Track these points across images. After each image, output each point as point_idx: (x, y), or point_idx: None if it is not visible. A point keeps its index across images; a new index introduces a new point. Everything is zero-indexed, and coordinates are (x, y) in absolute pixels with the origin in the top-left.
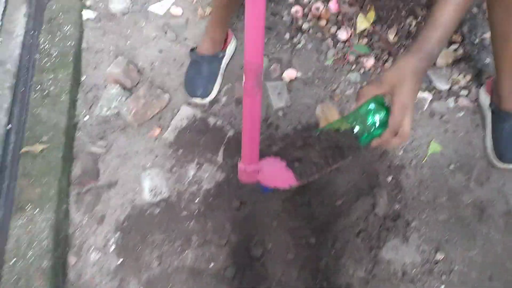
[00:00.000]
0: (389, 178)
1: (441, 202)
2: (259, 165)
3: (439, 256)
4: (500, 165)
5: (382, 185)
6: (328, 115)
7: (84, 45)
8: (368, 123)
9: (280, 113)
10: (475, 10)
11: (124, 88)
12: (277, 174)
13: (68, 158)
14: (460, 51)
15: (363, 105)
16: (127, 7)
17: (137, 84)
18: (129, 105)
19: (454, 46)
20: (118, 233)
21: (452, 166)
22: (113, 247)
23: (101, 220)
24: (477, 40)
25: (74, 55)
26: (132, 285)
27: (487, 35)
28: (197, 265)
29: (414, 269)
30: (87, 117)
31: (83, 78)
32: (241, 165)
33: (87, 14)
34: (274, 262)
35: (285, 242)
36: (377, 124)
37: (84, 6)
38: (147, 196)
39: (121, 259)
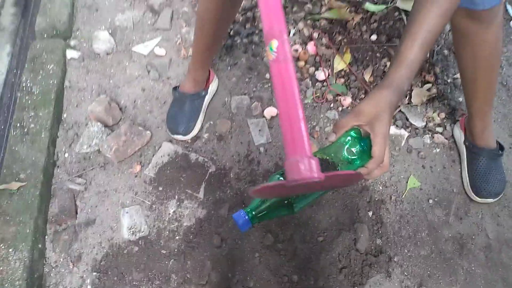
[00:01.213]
0: (370, 213)
1: (422, 237)
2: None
3: None
4: (478, 200)
5: (363, 220)
6: None
7: (66, 83)
8: (344, 155)
9: (262, 149)
10: (446, 52)
11: (105, 125)
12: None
13: (46, 196)
14: (434, 90)
15: (341, 137)
16: (111, 47)
17: (118, 121)
18: (109, 142)
19: (428, 86)
20: (95, 273)
21: (431, 201)
22: (89, 287)
23: (77, 259)
24: (449, 80)
25: (56, 93)
26: None
27: (459, 75)
28: None
29: None
30: (67, 154)
31: (64, 116)
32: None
33: (71, 53)
34: None
35: (267, 280)
36: (354, 156)
37: (68, 46)
38: (125, 234)
39: None
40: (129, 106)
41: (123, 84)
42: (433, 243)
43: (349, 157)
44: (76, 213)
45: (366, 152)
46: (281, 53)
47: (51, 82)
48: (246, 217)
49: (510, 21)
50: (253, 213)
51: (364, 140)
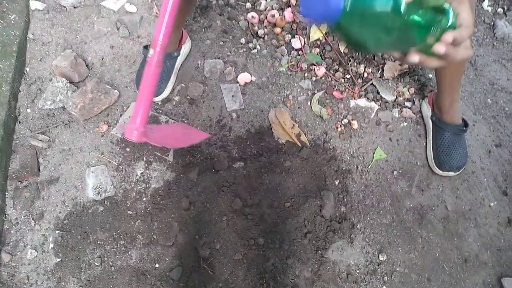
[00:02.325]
0: (337, 182)
1: (384, 206)
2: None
3: (382, 258)
4: (440, 172)
5: (329, 188)
6: (280, 119)
7: (30, 36)
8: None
9: (234, 115)
10: None
11: (71, 82)
12: (183, 134)
13: (7, 151)
14: (405, 65)
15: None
16: (78, 0)
17: (85, 79)
18: (75, 99)
19: None
20: (58, 231)
21: (395, 173)
22: (51, 245)
23: (39, 217)
24: None
25: (18, 45)
26: (71, 285)
27: None
28: (142, 266)
29: (358, 270)
30: (29, 110)
31: (27, 70)
32: (131, 125)
33: (35, 4)
34: (222, 263)
35: (233, 242)
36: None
37: None
38: (90, 193)
39: (59, 258)
40: (96, 63)
41: (91, 40)
42: (395, 212)
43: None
44: (39, 170)
45: (448, 17)
46: (152, 60)
47: (12, 33)
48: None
49: (483, 1)
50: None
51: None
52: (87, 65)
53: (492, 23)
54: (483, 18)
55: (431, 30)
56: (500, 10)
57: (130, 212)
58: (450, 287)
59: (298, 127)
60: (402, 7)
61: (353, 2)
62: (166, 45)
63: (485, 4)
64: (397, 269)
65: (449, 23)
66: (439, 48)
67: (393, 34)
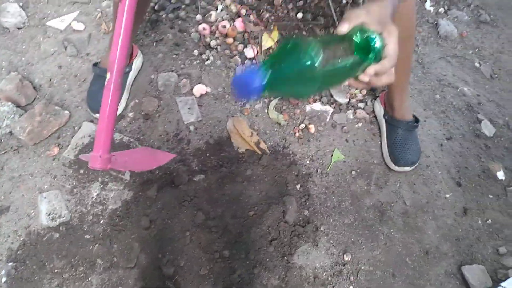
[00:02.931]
0: (298, 186)
1: (346, 206)
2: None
3: (347, 258)
4: (396, 168)
5: (291, 193)
6: (239, 128)
7: None
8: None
9: (191, 128)
10: None
11: (17, 105)
12: (148, 158)
13: None
14: None
15: (353, 30)
16: (22, 21)
17: (33, 101)
18: (23, 123)
19: None
20: (11, 263)
21: (354, 173)
22: (4, 279)
23: None
24: None
25: None
26: None
27: None
28: None
29: (325, 272)
30: None
31: None
32: (95, 153)
33: None
34: (187, 279)
35: (198, 257)
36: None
37: None
38: (44, 220)
39: None
40: (44, 85)
41: (37, 61)
42: (356, 211)
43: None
44: None
45: (373, 52)
46: (109, 83)
47: None
48: (262, 80)
49: (425, 2)
50: (271, 76)
51: (372, 39)
52: (34, 87)
53: (435, 22)
54: (426, 18)
55: (351, 72)
56: (441, 9)
57: (88, 236)
58: (414, 280)
59: (257, 135)
60: (317, 64)
61: (271, 77)
62: (123, 67)
63: (427, 5)
64: (362, 267)
65: (372, 56)
66: (363, 78)
67: (318, 81)
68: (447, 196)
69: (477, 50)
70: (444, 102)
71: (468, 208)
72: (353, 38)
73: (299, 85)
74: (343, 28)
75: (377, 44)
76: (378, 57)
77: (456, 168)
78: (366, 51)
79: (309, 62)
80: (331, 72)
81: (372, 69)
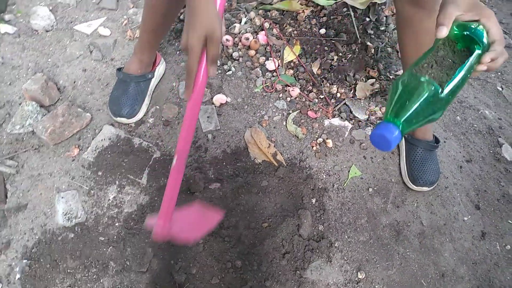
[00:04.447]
0: (313, 200)
1: (361, 224)
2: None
3: (361, 276)
4: (414, 188)
5: (306, 207)
6: (256, 139)
7: None
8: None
9: (210, 136)
10: (389, 49)
11: (41, 105)
12: (199, 219)
13: None
14: (377, 85)
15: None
16: (50, 24)
17: (56, 102)
18: (45, 123)
19: (371, 81)
20: (26, 260)
21: (370, 190)
22: (18, 275)
23: (5, 246)
24: (391, 76)
25: None
26: None
27: (400, 72)
28: None
29: None
30: None
31: None
32: (159, 221)
33: (4, 28)
34: None
35: (210, 266)
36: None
37: (1, 20)
38: (60, 220)
39: None
40: (68, 87)
41: (63, 64)
42: (371, 229)
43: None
44: (6, 197)
45: (481, 43)
46: (176, 166)
47: None
48: (396, 129)
49: None
50: (403, 121)
51: (473, 31)
52: (58, 89)
53: None
54: None
55: (469, 70)
56: None
57: (102, 238)
58: None
59: (274, 146)
60: (438, 90)
61: (403, 125)
62: (187, 153)
63: None
64: (376, 286)
65: (481, 47)
66: (481, 68)
67: (447, 100)
68: (465, 218)
69: (499, 74)
70: (465, 124)
71: (486, 232)
72: (455, 38)
73: (431, 112)
74: (442, 32)
75: (481, 34)
76: (486, 46)
77: (475, 191)
78: (473, 44)
79: (431, 94)
80: (454, 85)
81: (487, 57)
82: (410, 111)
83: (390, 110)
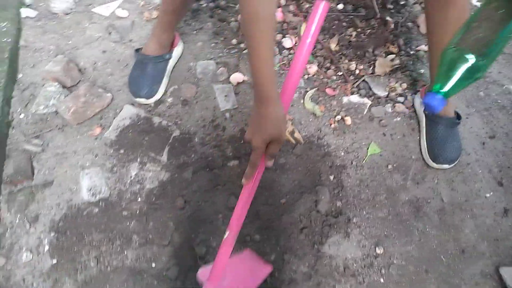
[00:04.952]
0: (331, 177)
1: (380, 200)
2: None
3: (379, 251)
4: (434, 165)
5: (324, 184)
6: None
7: (22, 43)
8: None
9: (227, 115)
10: (410, 24)
11: (63, 86)
12: (249, 273)
13: (0, 156)
14: (397, 61)
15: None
16: (69, 7)
17: (77, 83)
18: (68, 103)
19: (391, 56)
20: (53, 233)
21: (390, 167)
22: (47, 247)
23: (34, 220)
24: (412, 52)
25: (11, 52)
26: (67, 286)
27: (421, 47)
28: (138, 265)
29: (355, 264)
30: (22, 115)
31: (19, 76)
32: (209, 285)
33: (26, 12)
34: None
35: None
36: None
37: (23, 4)
38: (85, 195)
39: (55, 260)
40: (88, 68)
41: (83, 46)
42: (390, 205)
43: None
44: (33, 174)
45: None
46: (228, 239)
47: (4, 40)
48: (439, 96)
49: None
50: (443, 90)
51: None
52: (79, 70)
53: None
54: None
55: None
56: None
57: (125, 213)
58: (448, 278)
59: (292, 124)
60: (483, 60)
61: (448, 93)
62: (239, 229)
63: (474, 0)
64: (394, 261)
65: None
66: None
67: (486, 68)
68: (487, 195)
69: None
70: (488, 100)
71: (509, 209)
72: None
73: (474, 77)
74: None
75: None
76: None
77: (498, 168)
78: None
79: (473, 65)
80: (495, 52)
81: None
82: (454, 82)
83: (436, 81)
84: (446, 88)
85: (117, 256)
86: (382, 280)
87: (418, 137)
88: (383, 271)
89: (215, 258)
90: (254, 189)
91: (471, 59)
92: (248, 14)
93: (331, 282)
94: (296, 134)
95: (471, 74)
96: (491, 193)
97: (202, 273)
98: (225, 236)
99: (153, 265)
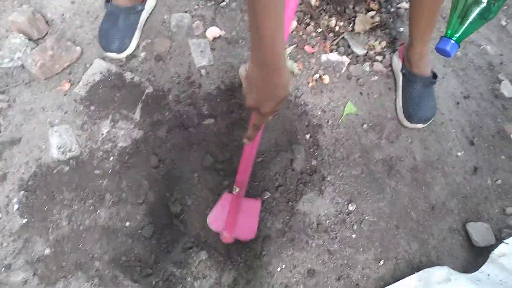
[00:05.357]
0: (307, 136)
1: (354, 159)
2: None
3: (351, 208)
4: (408, 125)
5: (300, 142)
6: None
7: None
8: None
9: (203, 72)
10: None
11: (29, 38)
12: (248, 215)
13: None
14: (377, 18)
15: None
16: None
17: (44, 35)
18: (34, 57)
19: (371, 13)
20: (22, 192)
21: (365, 126)
22: (16, 206)
23: (2, 179)
24: (392, 9)
25: None
26: (38, 245)
27: (402, 5)
28: (111, 224)
29: (328, 220)
30: None
31: None
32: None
33: None
34: (194, 218)
35: (205, 198)
36: None
37: None
38: (55, 153)
39: (25, 219)
40: (56, 20)
41: None
42: (364, 164)
43: None
44: None
45: None
46: (238, 195)
47: None
48: (452, 41)
49: None
50: (456, 35)
51: None
52: (46, 22)
53: None
54: None
55: None
56: None
57: (97, 172)
58: (417, 234)
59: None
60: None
61: (460, 38)
62: (247, 183)
63: None
64: (366, 217)
65: None
66: None
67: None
68: (459, 154)
69: (505, 7)
70: (465, 60)
71: (478, 167)
72: None
73: (485, 20)
74: None
75: None
76: None
77: (471, 127)
78: None
79: (484, 8)
80: None
81: None
82: (465, 26)
83: (448, 27)
84: (459, 33)
85: (89, 215)
86: (354, 236)
87: (394, 97)
88: (355, 227)
89: (227, 212)
90: (256, 147)
91: (485, 1)
92: None
93: (305, 238)
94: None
95: (484, 16)
96: (463, 152)
97: (213, 220)
98: (235, 191)
99: (127, 224)
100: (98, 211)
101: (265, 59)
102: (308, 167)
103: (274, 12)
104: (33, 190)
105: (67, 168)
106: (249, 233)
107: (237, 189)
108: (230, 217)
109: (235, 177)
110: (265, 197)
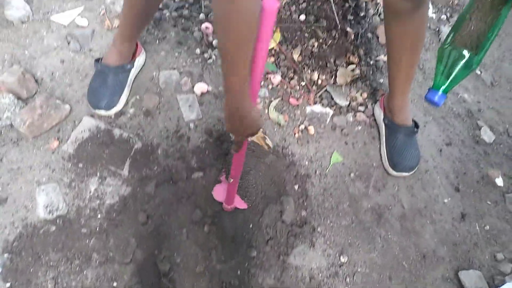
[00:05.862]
0: (296, 187)
1: (343, 208)
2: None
3: (343, 259)
4: (394, 173)
5: (289, 193)
6: None
7: None
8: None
9: (192, 125)
10: (369, 35)
11: (18, 98)
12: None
13: None
14: (357, 71)
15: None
16: (26, 15)
17: (34, 94)
18: (23, 116)
19: (352, 66)
20: (6, 254)
21: (352, 175)
22: (0, 269)
23: None
24: (371, 62)
25: None
26: None
27: (381, 57)
28: (98, 285)
29: (321, 273)
30: None
31: None
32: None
33: None
34: (183, 276)
35: (194, 255)
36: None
37: None
38: (41, 213)
39: (8, 283)
40: (46, 79)
41: (40, 55)
42: (353, 213)
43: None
44: None
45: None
46: (233, 183)
47: None
48: (440, 92)
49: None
50: (443, 87)
51: None
52: (36, 81)
53: (437, 29)
54: (428, 25)
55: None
56: (443, 17)
57: (84, 230)
58: (410, 284)
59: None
60: (478, 55)
61: (446, 89)
62: (239, 176)
63: (430, 12)
64: (359, 269)
65: None
66: None
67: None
68: (446, 201)
69: None
70: (445, 108)
71: (466, 214)
72: None
73: (469, 71)
74: None
75: None
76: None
77: (455, 174)
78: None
79: (468, 60)
80: (488, 44)
81: None
82: (451, 78)
83: (435, 79)
84: (446, 84)
85: (76, 277)
86: None
87: (379, 145)
88: (348, 279)
89: (227, 191)
90: (245, 150)
91: (467, 54)
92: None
93: None
94: (267, 141)
95: (467, 68)
96: (449, 199)
97: (216, 194)
98: (230, 182)
99: (114, 284)
100: (85, 271)
101: (232, 105)
102: (298, 219)
103: (237, 69)
104: (18, 252)
105: (53, 228)
106: (242, 205)
107: (231, 180)
108: (228, 195)
109: (222, 232)
110: (252, 255)
